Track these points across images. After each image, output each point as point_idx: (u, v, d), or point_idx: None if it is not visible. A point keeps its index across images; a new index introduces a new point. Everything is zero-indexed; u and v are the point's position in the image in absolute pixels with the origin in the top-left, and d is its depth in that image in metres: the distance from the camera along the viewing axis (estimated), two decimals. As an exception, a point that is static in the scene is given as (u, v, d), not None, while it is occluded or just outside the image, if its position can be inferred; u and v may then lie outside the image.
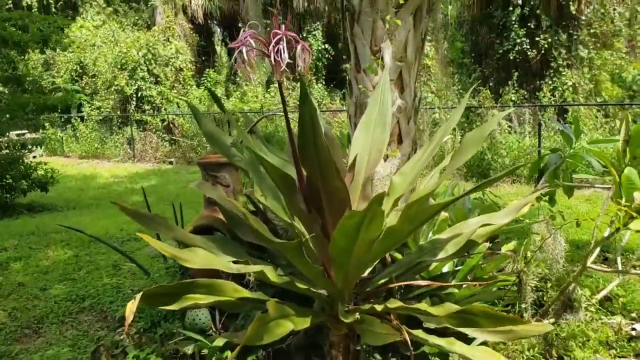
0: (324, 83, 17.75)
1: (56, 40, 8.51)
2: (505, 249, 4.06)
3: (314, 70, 17.28)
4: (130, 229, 6.92)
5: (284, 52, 2.81)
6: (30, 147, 8.89)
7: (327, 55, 17.51)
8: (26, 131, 16.26)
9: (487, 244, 3.69)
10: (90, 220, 7.55)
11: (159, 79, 16.72)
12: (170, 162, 14.66)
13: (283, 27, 2.84)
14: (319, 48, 17.22)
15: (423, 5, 4.26)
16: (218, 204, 3.41)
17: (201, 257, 2.72)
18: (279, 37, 2.82)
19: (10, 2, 16.50)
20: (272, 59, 2.83)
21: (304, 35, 16.95)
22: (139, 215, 3.06)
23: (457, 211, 3.96)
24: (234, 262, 2.98)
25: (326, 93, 17.52)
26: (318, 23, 16.98)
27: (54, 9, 19.41)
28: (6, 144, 8.63)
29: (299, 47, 2.88)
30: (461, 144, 3.05)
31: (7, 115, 8.32)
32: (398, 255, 3.46)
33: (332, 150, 3.33)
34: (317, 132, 2.71)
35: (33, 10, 7.53)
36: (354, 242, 2.63)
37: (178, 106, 16.10)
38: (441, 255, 3.05)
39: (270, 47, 2.81)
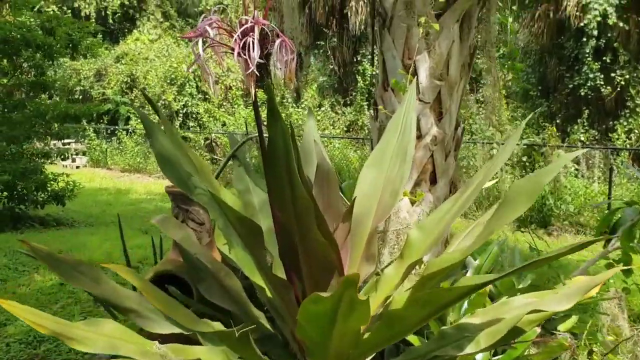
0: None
1: (87, 46, 8.05)
2: (564, 328, 3.07)
3: (365, 95, 16.45)
4: (137, 255, 6.21)
5: (253, 49, 1.99)
6: (53, 157, 8.40)
7: (381, 81, 16.57)
8: (72, 140, 16.18)
9: (538, 329, 2.71)
10: (98, 240, 6.90)
11: (207, 96, 16.33)
12: (209, 182, 14.09)
13: (258, 15, 2.03)
14: (373, 73, 16.37)
15: (474, 11, 3.35)
16: (181, 249, 2.59)
17: (106, 334, 1.88)
18: (247, 26, 2.00)
19: (69, 12, 16.60)
20: (237, 56, 2.02)
21: (358, 58, 16.21)
22: (54, 261, 2.28)
23: (502, 282, 2.98)
24: (176, 336, 2.15)
25: (378, 120, 16.51)
26: (374, 47, 16.22)
27: (111, 21, 19.51)
28: (30, 153, 8.16)
29: (277, 44, 2.05)
30: (509, 192, 2.09)
31: (30, 123, 7.86)
32: (414, 340, 2.53)
33: (326, 189, 2.46)
34: (291, 163, 1.86)
35: (90, 21, 7.18)
36: (329, 333, 1.74)
37: (224, 125, 15.61)
38: (470, 348, 2.10)
39: (236, 39, 2.00)
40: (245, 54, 1.97)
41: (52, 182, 8.04)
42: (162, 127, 2.39)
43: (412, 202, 3.11)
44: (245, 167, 2.76)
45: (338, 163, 12.52)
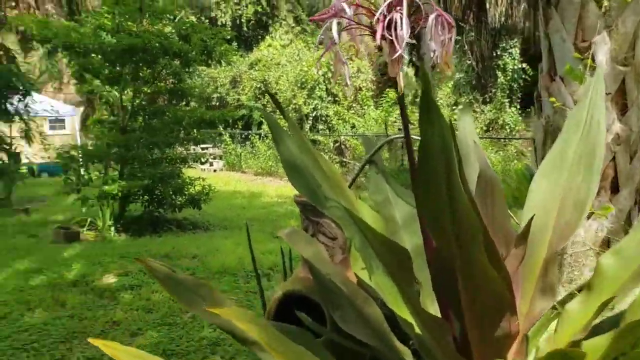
0: (518, 107, 15.83)
1: (221, 52, 8.13)
2: None
3: (507, 91, 15.45)
4: (268, 261, 6.06)
5: (402, 26, 1.57)
6: (190, 162, 8.60)
7: (523, 76, 15.57)
8: (209, 145, 16.85)
9: None
10: (232, 245, 6.87)
11: (336, 98, 16.21)
12: (339, 185, 13.91)
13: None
14: (515, 67, 15.37)
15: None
16: (311, 268, 2.25)
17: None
18: (393, -1, 1.59)
19: (206, 21, 17.30)
20: (381, 36, 1.61)
21: (498, 52, 15.22)
22: (173, 283, 2.03)
23: None
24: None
25: (520, 118, 15.57)
26: (515, 40, 15.13)
27: (245, 28, 20.10)
28: (169, 158, 8.42)
29: (431, 19, 1.62)
30: None
31: (166, 131, 8.09)
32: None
33: (490, 203, 1.97)
34: (451, 171, 1.42)
35: (211, 31, 7.45)
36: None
37: (353, 127, 15.38)
38: None
39: (378, 16, 1.60)
40: (391, 34, 1.55)
41: (189, 186, 8.22)
42: (290, 132, 2.06)
43: (589, 216, 2.53)
44: (383, 174, 2.35)
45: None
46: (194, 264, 5.97)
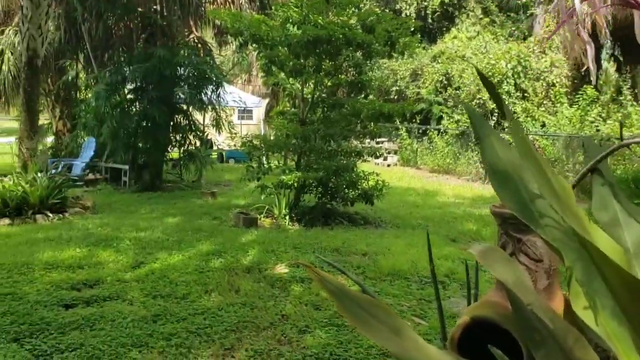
0: None
1: (404, 44, 7.79)
2: None
3: None
4: (444, 268, 5.62)
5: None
6: (365, 155, 8.42)
7: None
8: (385, 139, 16.67)
9: None
10: (403, 245, 6.53)
11: (526, 94, 15.01)
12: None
13: None
14: None
15: None
16: (511, 296, 1.82)
17: None
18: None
19: (391, 13, 17.08)
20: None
21: None
22: (344, 299, 1.72)
23: None
24: None
25: None
26: None
27: (430, 20, 19.50)
28: (344, 151, 8.33)
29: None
30: None
31: (343, 124, 7.99)
32: None
33: None
34: None
35: (396, 21, 7.11)
36: None
37: (543, 125, 14.10)
38: None
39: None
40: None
41: (362, 181, 8.04)
42: (512, 130, 1.63)
43: None
44: (610, 186, 1.82)
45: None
46: (364, 262, 5.75)
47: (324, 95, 8.14)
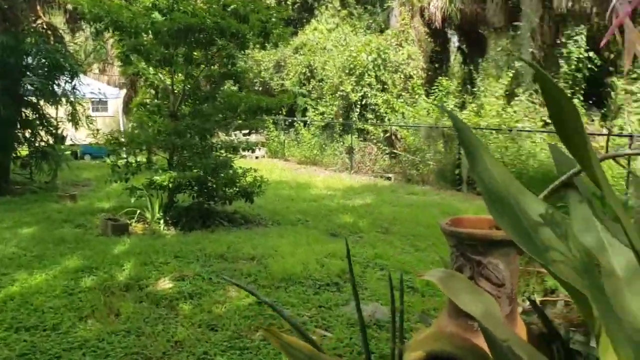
0: (581, 99, 14.89)
1: (278, 34, 7.50)
2: None
3: (570, 81, 14.52)
4: (335, 267, 5.45)
5: None
6: (240, 150, 8.02)
7: (589, 66, 14.61)
8: (250, 130, 16.30)
9: None
10: (290, 245, 6.28)
11: (386, 86, 15.46)
12: (388, 178, 13.23)
13: None
14: (581, 56, 14.40)
15: None
16: (484, 331, 1.60)
17: None
18: None
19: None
20: None
21: (563, 40, 14.25)
22: None
23: None
24: None
25: (584, 111, 14.63)
26: (582, 26, 14.13)
27: (290, 11, 19.40)
28: (219, 146, 7.86)
29: None
30: None
31: (220, 115, 7.53)
32: None
33: None
34: None
35: (271, 11, 6.79)
36: None
37: (403, 116, 14.62)
38: None
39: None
40: None
41: (240, 177, 7.65)
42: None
43: None
44: (589, 204, 1.67)
45: (544, 162, 10.91)
46: (254, 268, 5.40)
47: (195, 87, 7.58)
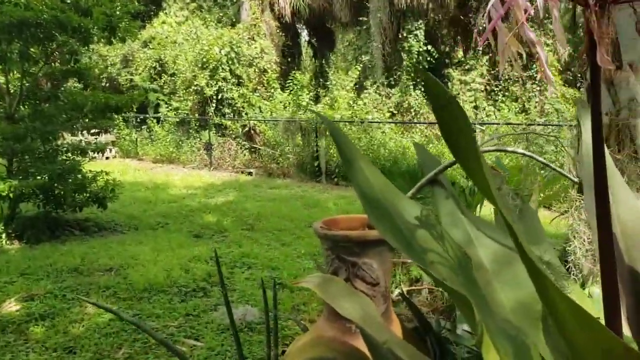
0: (422, 89, 15.90)
1: (125, 28, 7.07)
2: None
3: (412, 74, 15.44)
4: (200, 271, 5.27)
5: None
6: (90, 153, 7.46)
7: (428, 59, 15.64)
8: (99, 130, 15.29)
9: None
10: (150, 252, 5.98)
11: (241, 80, 15.33)
12: (250, 173, 13.15)
13: None
14: (420, 50, 15.36)
15: None
16: (364, 335, 1.60)
17: None
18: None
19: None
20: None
21: (404, 35, 15.09)
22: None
23: None
24: None
25: (424, 101, 15.67)
26: (420, 22, 15.06)
27: (136, 3, 18.47)
28: (65, 149, 7.23)
29: None
30: None
31: (64, 116, 6.94)
32: None
33: None
34: None
35: (116, 4, 6.27)
36: None
37: (260, 110, 14.60)
38: None
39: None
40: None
41: (91, 182, 7.13)
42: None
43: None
44: (454, 199, 1.74)
45: (393, 150, 11.49)
46: (113, 279, 5.05)
47: (34, 86, 6.90)
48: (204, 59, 14.97)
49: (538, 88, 16.65)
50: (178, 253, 5.94)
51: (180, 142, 15.16)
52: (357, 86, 14.62)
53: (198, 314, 4.24)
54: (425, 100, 15.88)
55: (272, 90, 15.13)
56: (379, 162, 11.28)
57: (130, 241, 6.58)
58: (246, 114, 14.45)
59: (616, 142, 2.10)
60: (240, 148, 14.03)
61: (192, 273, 5.26)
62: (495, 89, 16.45)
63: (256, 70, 15.60)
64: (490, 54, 16.40)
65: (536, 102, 16.59)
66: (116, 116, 13.63)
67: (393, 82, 15.70)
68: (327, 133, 12.31)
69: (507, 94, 16.60)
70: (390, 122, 13.24)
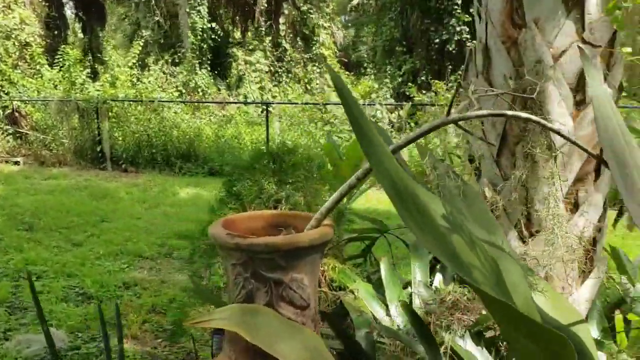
0: (209, 69, 15.37)
1: None
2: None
3: (197, 52, 14.81)
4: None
5: None
6: None
7: (213, 36, 15.11)
8: None
9: None
10: None
11: (-5, 53, 13.04)
12: (17, 163, 11.30)
13: None
14: (204, 27, 14.75)
15: None
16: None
17: None
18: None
19: None
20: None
21: (187, 10, 14.32)
22: None
23: None
24: None
25: (211, 81, 15.18)
26: (204, -3, 14.45)
27: None
28: None
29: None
30: None
31: None
32: None
33: None
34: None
35: None
36: None
37: (26, 89, 12.58)
38: None
39: None
40: None
41: None
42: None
43: (575, 205, 2.00)
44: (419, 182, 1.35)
45: (187, 132, 10.84)
46: None
47: None
48: (-55, 28, 12.37)
49: (318, 70, 17.23)
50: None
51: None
52: (139, 63, 13.45)
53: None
54: (213, 81, 15.39)
55: (38, 67, 13.16)
56: (174, 145, 10.60)
57: None
58: (7, 93, 12.29)
59: (523, 110, 1.92)
60: (2, 133, 11.92)
61: None
62: (279, 70, 16.59)
63: (16, 43, 13.39)
64: (272, 34, 16.46)
65: (317, 83, 17.16)
66: None
67: (177, 61, 14.89)
68: (110, 114, 11.09)
69: (290, 75, 16.87)
70: (181, 102, 12.45)
